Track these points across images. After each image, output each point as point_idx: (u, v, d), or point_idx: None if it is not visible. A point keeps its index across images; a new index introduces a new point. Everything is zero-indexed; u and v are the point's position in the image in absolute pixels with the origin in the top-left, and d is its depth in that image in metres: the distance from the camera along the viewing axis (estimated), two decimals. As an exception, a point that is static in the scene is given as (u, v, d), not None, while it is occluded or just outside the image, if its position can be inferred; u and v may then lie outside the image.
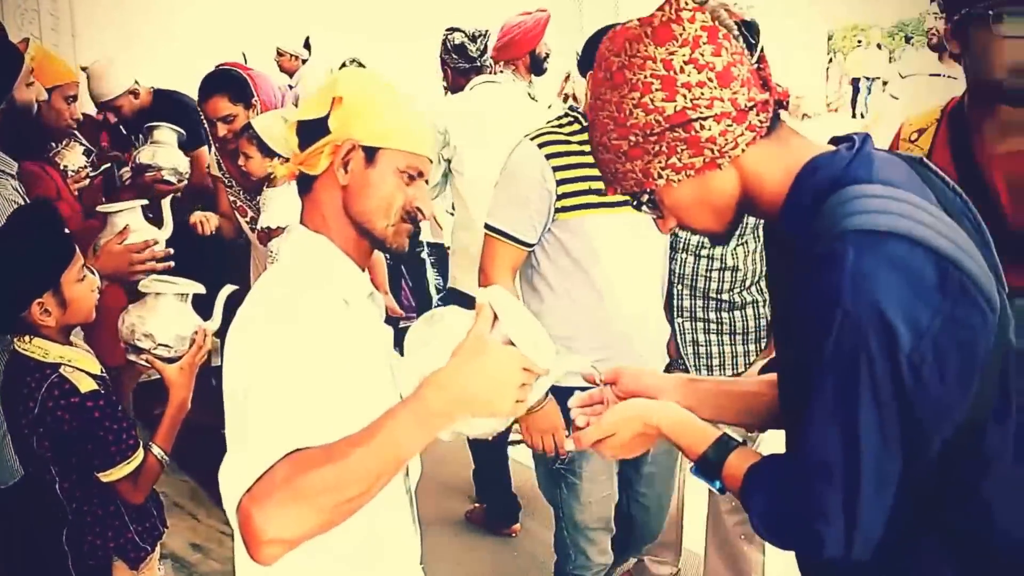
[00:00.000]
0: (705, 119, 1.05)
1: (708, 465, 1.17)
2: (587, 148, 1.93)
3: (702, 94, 1.05)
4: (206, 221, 2.98)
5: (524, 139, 2.17)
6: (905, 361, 0.95)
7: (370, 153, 1.25)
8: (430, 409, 1.07)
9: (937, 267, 0.96)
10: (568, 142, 2.11)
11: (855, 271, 0.95)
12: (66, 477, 1.82)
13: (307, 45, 6.12)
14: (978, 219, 1.12)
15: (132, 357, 1.93)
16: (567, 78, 3.77)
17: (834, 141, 1.15)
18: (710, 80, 1.05)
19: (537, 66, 3.35)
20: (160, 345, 1.89)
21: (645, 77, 1.07)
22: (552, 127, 2.18)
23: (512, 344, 1.11)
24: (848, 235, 0.97)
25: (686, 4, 1.07)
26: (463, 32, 3.37)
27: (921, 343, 0.95)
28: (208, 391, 3.37)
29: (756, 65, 1.09)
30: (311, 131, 1.25)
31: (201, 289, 1.99)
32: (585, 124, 1.97)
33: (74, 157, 2.74)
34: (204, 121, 3.24)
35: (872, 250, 0.96)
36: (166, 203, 2.54)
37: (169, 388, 1.91)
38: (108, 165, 2.98)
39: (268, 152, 2.73)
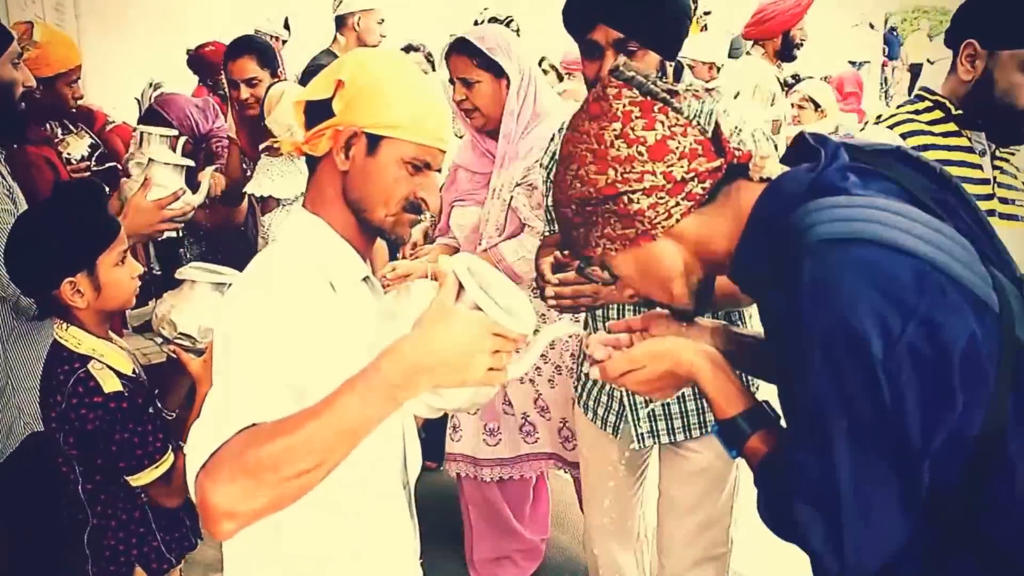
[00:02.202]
0: (634, 192, 1.08)
1: (733, 432, 1.13)
2: (951, 142, 1.79)
3: (632, 168, 1.08)
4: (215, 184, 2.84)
5: (868, 125, 1.87)
6: (881, 370, 0.91)
7: (373, 141, 1.20)
8: (386, 379, 1.02)
9: (912, 269, 0.92)
10: (928, 132, 1.79)
11: (813, 284, 0.94)
12: (89, 479, 1.74)
13: (287, 26, 5.81)
14: (975, 208, 1.07)
15: (162, 346, 1.82)
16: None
17: (799, 140, 1.14)
18: (640, 155, 1.08)
19: (788, 50, 3.03)
20: (181, 335, 1.78)
21: (581, 151, 1.12)
22: (907, 113, 1.84)
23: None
24: (810, 246, 0.95)
25: (611, 82, 1.11)
26: (496, 16, 3.33)
27: (896, 349, 0.90)
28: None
29: (709, 134, 1.10)
30: (317, 112, 1.22)
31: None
32: (953, 111, 1.80)
33: (79, 146, 2.75)
34: (226, 84, 3.12)
35: (832, 258, 0.93)
36: (206, 175, 2.42)
37: (195, 382, 1.79)
38: (113, 164, 2.96)
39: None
